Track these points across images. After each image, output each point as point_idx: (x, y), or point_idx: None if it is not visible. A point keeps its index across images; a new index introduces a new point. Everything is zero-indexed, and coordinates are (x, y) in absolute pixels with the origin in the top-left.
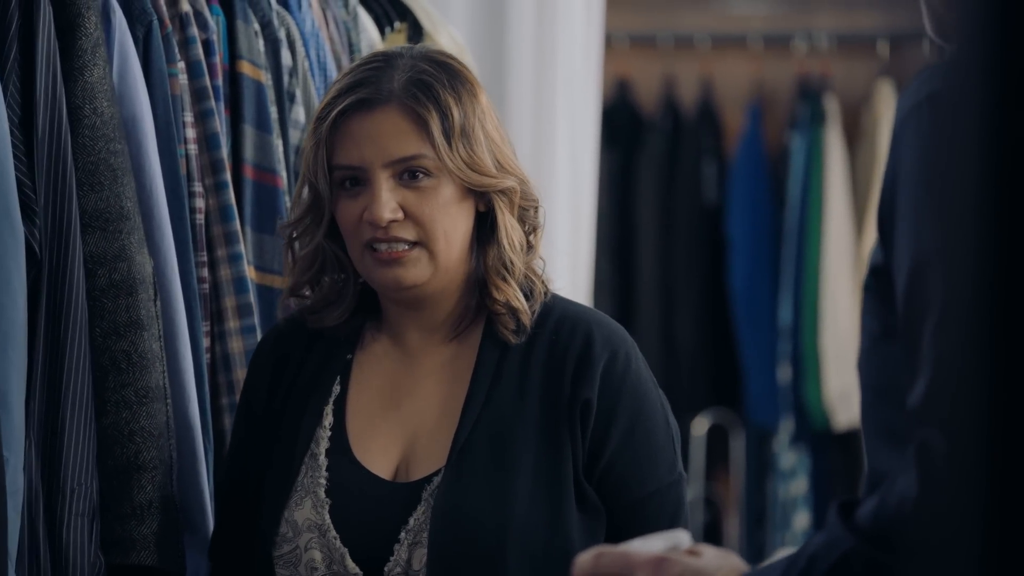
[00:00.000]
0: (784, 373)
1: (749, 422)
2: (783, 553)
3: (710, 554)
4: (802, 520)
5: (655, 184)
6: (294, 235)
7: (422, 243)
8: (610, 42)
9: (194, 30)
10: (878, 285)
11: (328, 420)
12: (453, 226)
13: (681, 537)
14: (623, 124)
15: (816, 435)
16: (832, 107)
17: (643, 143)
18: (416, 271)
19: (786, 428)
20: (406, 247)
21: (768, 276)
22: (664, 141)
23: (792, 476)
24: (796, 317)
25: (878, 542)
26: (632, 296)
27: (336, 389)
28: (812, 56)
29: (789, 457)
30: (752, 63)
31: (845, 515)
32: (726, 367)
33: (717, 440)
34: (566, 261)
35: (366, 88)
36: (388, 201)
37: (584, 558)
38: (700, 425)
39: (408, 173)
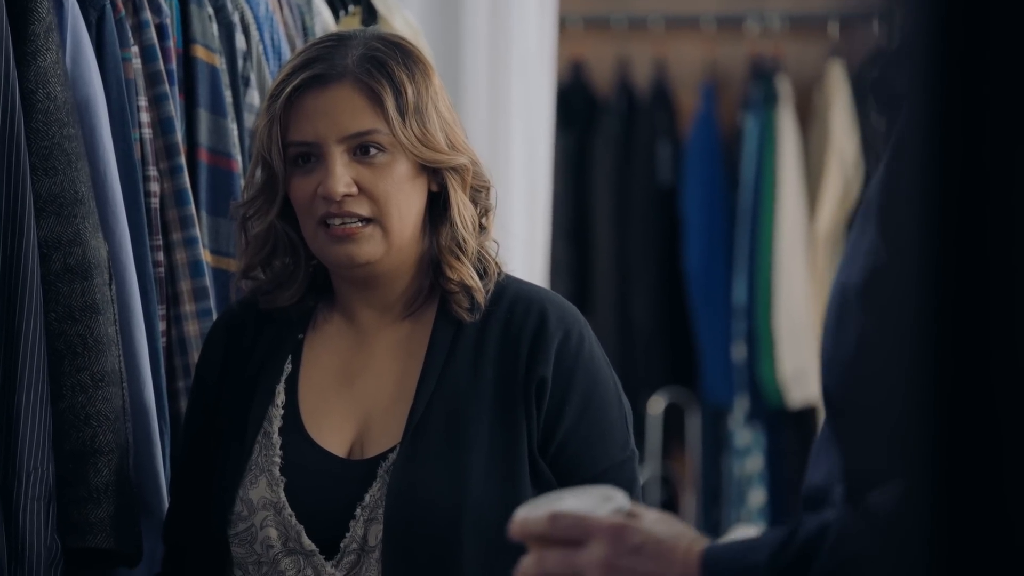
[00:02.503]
0: (739, 352)
1: (704, 401)
2: (740, 529)
3: (652, 517)
4: (757, 497)
5: (610, 165)
6: (247, 215)
7: (376, 219)
8: (564, 24)
9: (147, 14)
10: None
11: (280, 399)
12: (407, 203)
13: (617, 496)
14: (578, 106)
15: (771, 413)
16: (784, 88)
17: (598, 125)
18: (369, 248)
19: (741, 406)
20: (360, 223)
21: (722, 256)
22: (619, 123)
23: (747, 454)
24: (750, 296)
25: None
26: (588, 277)
27: (288, 368)
28: (764, 37)
29: (744, 435)
30: (705, 44)
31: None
32: (682, 346)
33: (673, 419)
34: (522, 243)
35: (320, 65)
36: (343, 175)
37: (536, 517)
38: (656, 404)
39: (362, 149)
